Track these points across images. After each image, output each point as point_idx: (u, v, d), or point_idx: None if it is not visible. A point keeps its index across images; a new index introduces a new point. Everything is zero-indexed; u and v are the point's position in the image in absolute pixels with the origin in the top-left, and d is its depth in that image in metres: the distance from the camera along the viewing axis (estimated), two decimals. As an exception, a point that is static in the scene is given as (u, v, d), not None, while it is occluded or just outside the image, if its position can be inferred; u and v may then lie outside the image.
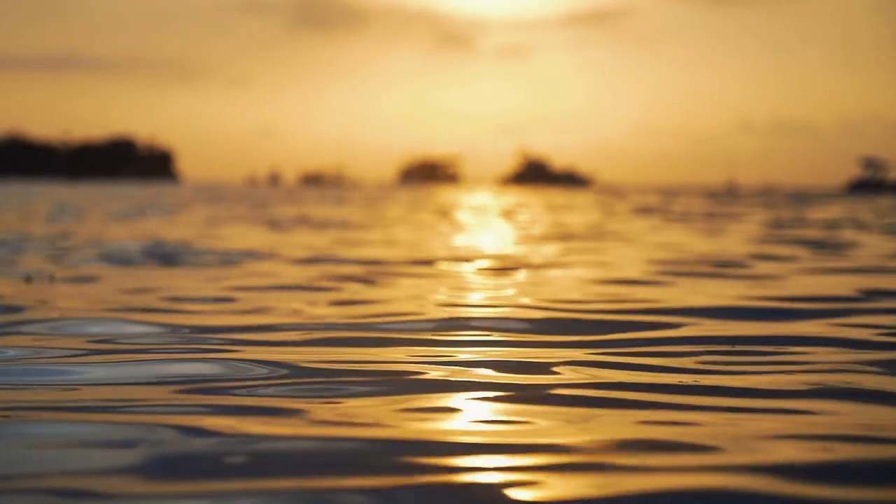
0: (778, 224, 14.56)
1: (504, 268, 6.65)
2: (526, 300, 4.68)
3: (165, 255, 7.47)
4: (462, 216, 17.46)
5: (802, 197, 43.76)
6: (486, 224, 14.43)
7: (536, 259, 7.39)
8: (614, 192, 65.72)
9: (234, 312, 4.20)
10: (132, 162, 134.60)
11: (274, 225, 13.08)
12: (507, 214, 18.06)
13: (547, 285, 5.45)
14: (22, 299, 4.63)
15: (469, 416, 2.35)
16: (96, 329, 3.70)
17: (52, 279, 5.64)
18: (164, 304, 4.47)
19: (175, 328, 3.73)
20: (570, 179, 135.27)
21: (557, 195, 47.15)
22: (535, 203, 29.25)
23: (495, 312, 4.23)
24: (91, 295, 4.86)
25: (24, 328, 3.71)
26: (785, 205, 28.01)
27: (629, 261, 7.22)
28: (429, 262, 7.06)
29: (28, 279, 5.58)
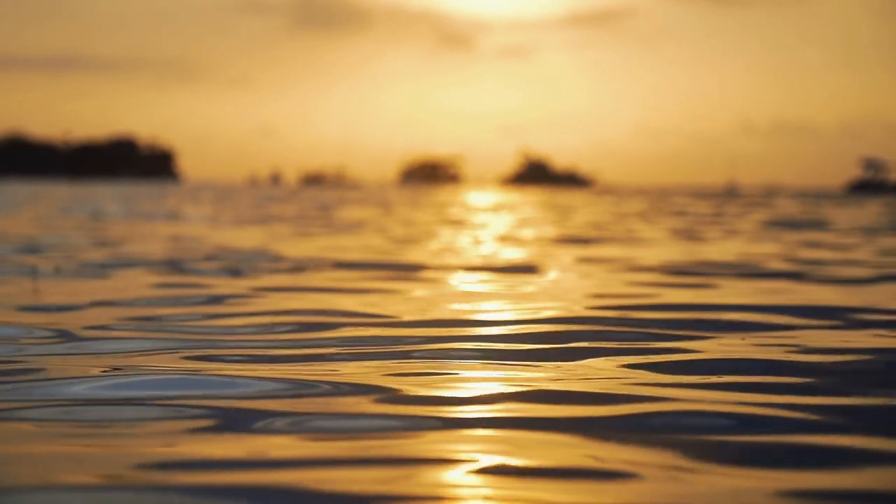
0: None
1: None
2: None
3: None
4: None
5: (803, 198, 43.80)
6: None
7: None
8: (615, 192, 65.83)
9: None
10: (133, 162, 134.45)
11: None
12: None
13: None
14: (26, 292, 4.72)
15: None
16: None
17: (58, 271, 5.73)
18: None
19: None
20: (571, 180, 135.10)
21: (564, 196, 47.19)
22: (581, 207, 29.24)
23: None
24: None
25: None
26: (784, 205, 28.06)
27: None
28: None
29: (34, 272, 5.67)
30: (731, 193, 65.70)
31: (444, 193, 50.13)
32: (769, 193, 65.11)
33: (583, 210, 22.08)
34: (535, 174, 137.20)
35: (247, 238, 9.47)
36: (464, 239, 10.00)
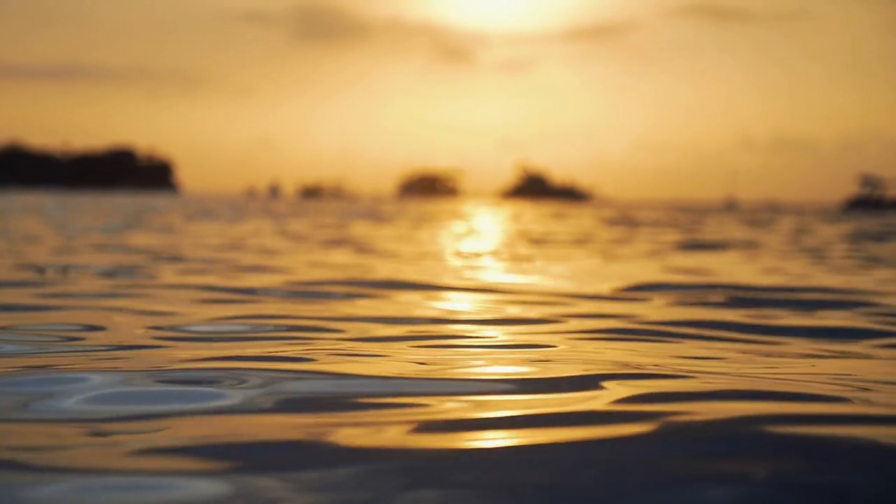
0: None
1: None
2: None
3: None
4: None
5: (800, 213, 43.80)
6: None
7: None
8: (612, 205, 65.79)
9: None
10: (132, 172, 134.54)
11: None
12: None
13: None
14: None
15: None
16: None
17: (65, 271, 5.81)
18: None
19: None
20: (569, 194, 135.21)
21: (561, 209, 47.22)
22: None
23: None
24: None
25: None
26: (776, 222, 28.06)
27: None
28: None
29: (41, 271, 5.78)
30: (730, 208, 65.83)
31: (447, 205, 50.09)
32: (769, 209, 65.19)
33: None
34: (533, 188, 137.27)
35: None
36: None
